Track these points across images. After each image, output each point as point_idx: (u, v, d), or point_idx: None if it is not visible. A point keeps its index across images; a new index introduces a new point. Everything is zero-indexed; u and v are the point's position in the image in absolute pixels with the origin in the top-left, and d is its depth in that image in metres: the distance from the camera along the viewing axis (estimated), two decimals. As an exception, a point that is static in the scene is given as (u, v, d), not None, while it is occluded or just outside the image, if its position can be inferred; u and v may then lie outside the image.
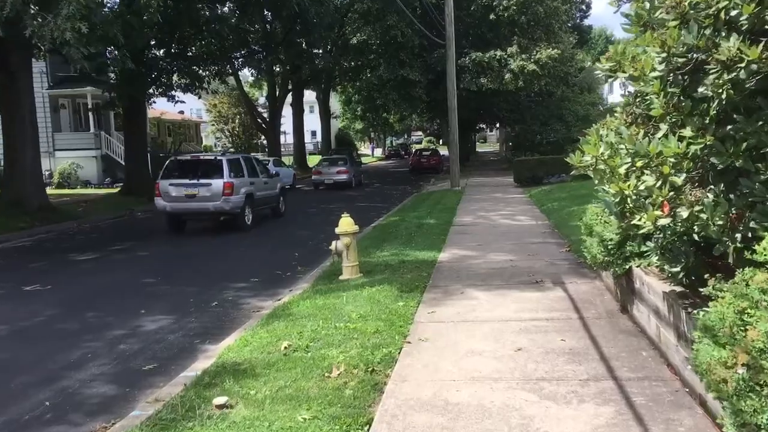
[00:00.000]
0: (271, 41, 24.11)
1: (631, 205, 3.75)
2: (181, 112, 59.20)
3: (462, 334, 5.56)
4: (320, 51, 36.96)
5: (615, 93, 45.44)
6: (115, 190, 23.91)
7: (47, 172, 28.19)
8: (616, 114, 5.15)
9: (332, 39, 32.20)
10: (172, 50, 20.49)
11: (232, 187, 14.53)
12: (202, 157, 16.71)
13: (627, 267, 5.55)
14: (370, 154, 77.64)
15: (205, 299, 8.33)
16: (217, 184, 14.42)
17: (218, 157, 15.49)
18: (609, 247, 5.65)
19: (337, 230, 8.42)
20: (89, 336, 6.75)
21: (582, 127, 34.37)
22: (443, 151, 45.66)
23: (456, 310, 6.33)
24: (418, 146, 73.02)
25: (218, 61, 21.97)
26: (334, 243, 8.54)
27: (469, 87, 29.53)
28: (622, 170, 3.68)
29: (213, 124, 52.44)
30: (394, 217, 15.06)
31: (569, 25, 38.81)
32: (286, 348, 5.39)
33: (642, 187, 3.57)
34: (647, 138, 3.60)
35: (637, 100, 4.24)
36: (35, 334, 6.95)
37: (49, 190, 26.64)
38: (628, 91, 4.48)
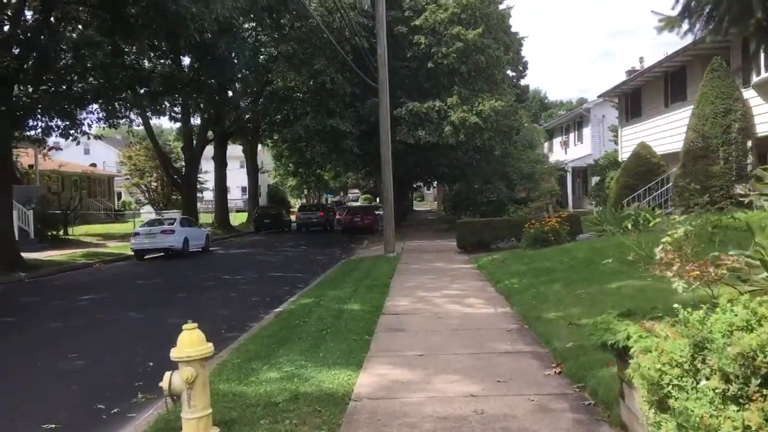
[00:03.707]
0: (175, 80, 20.41)
1: None
2: (93, 165, 54.48)
3: None
4: (245, 102, 33.65)
5: (555, 151, 43.94)
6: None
7: None
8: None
9: (254, 85, 28.96)
10: (45, 87, 16.53)
11: (324, 214, 38.47)
12: (313, 204, 55.21)
13: None
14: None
15: None
16: (318, 213, 38.77)
17: (319, 205, 51.26)
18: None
19: (173, 355, 4.80)
20: None
21: (527, 185, 32.23)
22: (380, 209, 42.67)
23: None
24: (354, 204, 70.15)
25: (104, 101, 17.96)
26: (167, 377, 4.85)
27: (406, 140, 26.68)
28: None
29: (128, 178, 47.73)
30: (307, 298, 11.45)
31: (512, 79, 37.27)
32: None
33: None
34: None
35: None
36: None
37: None
38: None
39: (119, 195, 57.58)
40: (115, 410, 6.15)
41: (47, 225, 28.41)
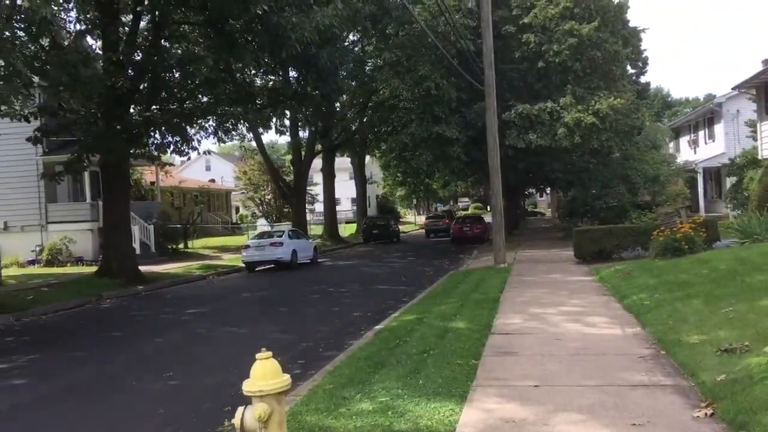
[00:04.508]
0: (280, 93, 20.50)
1: None
2: (212, 180, 57.12)
3: None
4: (351, 113, 33.70)
5: (682, 151, 40.57)
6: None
7: (37, 248, 25.16)
8: None
9: (360, 95, 28.76)
10: (155, 106, 17.06)
11: (449, 222, 42.30)
12: (439, 212, 58.98)
13: None
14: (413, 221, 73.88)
15: None
16: (444, 221, 44.60)
17: (445, 213, 55.71)
18: None
19: (246, 388, 4.17)
20: None
21: (652, 188, 29.74)
22: (490, 218, 41.47)
23: None
24: (464, 212, 68.66)
25: (209, 116, 18.34)
26: (239, 413, 4.24)
27: (516, 144, 25.35)
28: None
29: (243, 192, 49.49)
30: (410, 315, 10.70)
31: (631, 76, 34.77)
32: None
33: None
34: None
35: None
36: None
37: (33, 270, 23.53)
38: None
39: (237, 209, 59.95)
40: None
41: (167, 239, 29.67)
